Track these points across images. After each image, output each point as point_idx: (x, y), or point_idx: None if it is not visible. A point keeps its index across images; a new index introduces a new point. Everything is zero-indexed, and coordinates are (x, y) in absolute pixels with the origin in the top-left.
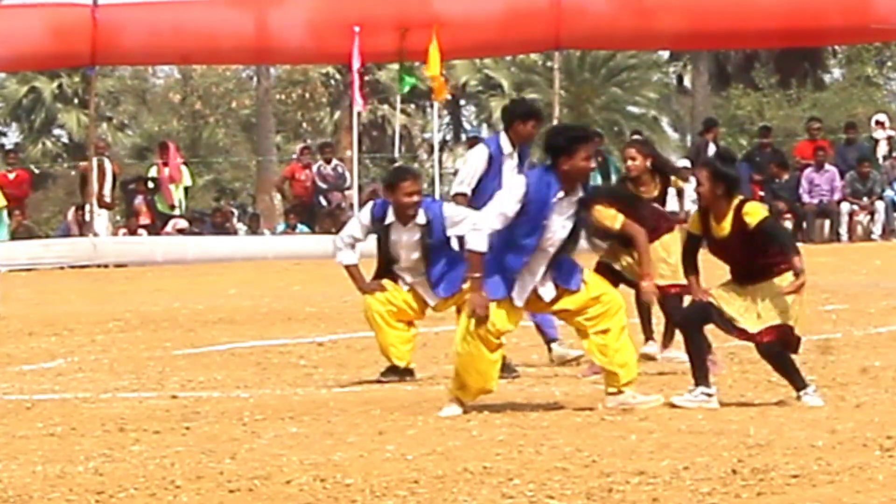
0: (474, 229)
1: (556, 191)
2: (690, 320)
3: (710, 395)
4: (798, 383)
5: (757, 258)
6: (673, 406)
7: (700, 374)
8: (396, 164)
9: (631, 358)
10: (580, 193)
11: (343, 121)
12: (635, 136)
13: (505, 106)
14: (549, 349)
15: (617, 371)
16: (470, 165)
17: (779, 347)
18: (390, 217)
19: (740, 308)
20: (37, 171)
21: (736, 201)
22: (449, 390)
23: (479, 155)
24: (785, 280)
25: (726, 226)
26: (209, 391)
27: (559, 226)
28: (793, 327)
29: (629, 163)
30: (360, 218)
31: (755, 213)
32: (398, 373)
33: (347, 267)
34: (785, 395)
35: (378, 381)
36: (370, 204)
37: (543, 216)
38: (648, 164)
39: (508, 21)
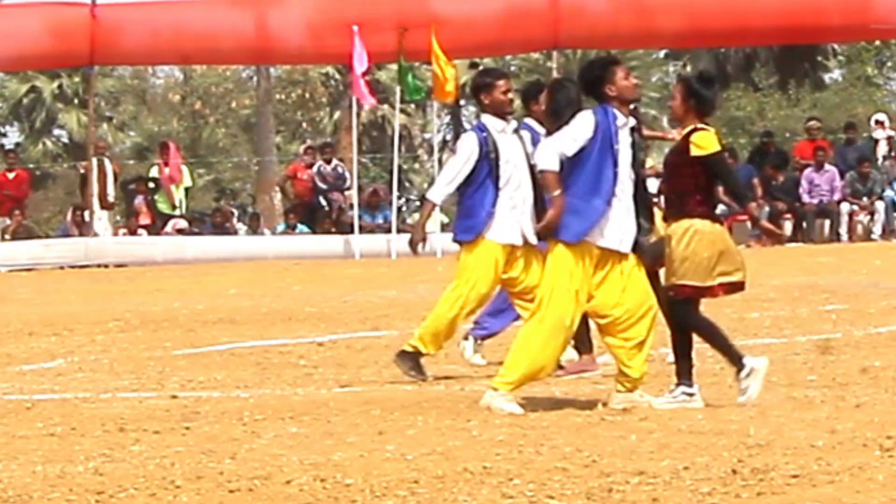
0: (544, 150)
1: (616, 117)
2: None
3: (691, 395)
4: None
5: (678, 188)
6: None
7: (683, 371)
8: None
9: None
10: (632, 121)
11: (343, 121)
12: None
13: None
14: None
15: (628, 370)
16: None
17: (689, 304)
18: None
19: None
20: (37, 172)
21: (696, 124)
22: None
23: (471, 144)
24: (701, 224)
25: (677, 142)
26: (209, 391)
27: (626, 155)
28: (698, 285)
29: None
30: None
31: (705, 143)
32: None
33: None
34: (785, 395)
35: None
36: None
37: (613, 142)
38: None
39: (507, 21)
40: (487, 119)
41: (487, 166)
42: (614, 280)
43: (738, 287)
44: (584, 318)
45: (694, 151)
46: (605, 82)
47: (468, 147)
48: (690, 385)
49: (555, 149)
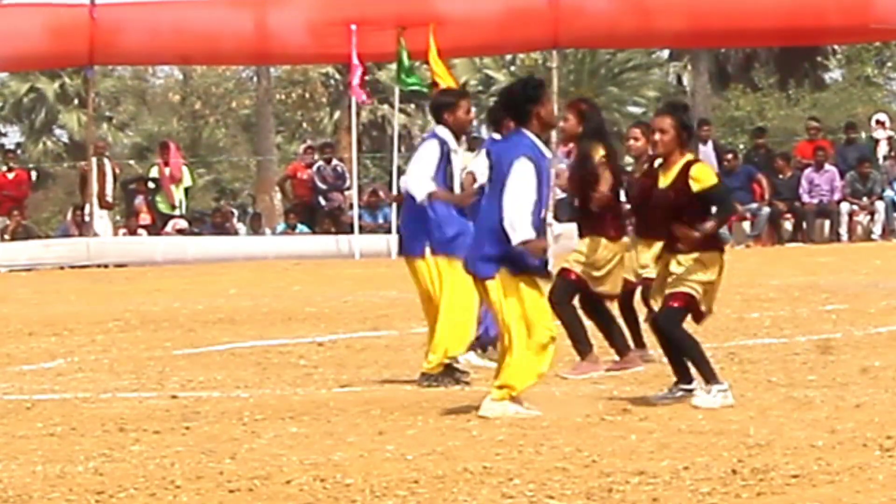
0: (513, 229)
1: (540, 148)
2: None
3: (725, 391)
4: (687, 377)
5: (678, 221)
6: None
7: (681, 371)
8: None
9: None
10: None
11: (343, 121)
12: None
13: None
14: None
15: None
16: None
17: (682, 315)
18: None
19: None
20: (36, 172)
21: (686, 158)
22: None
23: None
24: (706, 256)
25: (669, 177)
26: (209, 391)
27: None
28: (697, 299)
29: (631, 142)
30: None
31: (704, 177)
32: None
33: None
34: (785, 395)
35: None
36: None
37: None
38: (650, 149)
39: (507, 20)
40: (444, 132)
41: (442, 177)
42: None
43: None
44: (581, 322)
45: (695, 187)
46: (536, 104)
47: (433, 149)
48: (719, 382)
49: (526, 214)
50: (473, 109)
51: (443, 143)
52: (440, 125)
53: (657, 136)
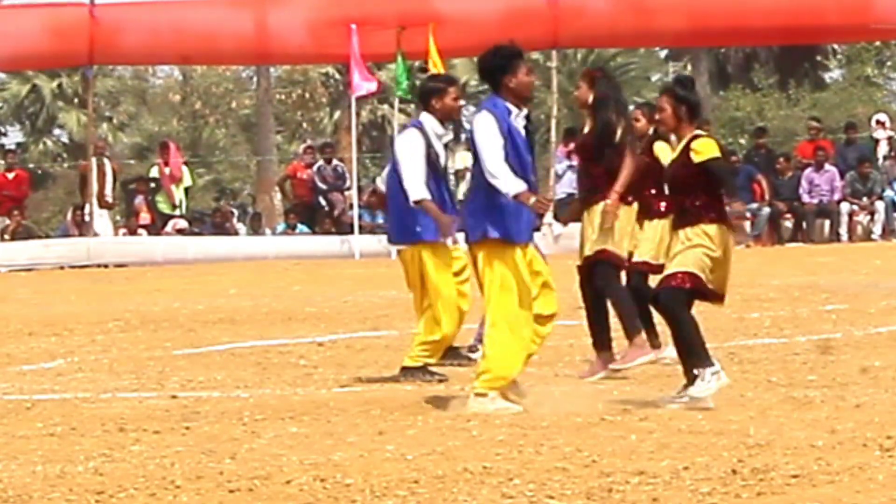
0: (496, 178)
1: (509, 111)
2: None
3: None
4: (694, 364)
5: (687, 198)
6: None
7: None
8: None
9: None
10: (524, 112)
11: (343, 121)
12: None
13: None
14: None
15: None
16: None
17: (685, 295)
18: None
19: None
20: (38, 172)
21: (692, 132)
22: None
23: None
24: (710, 229)
25: (676, 153)
26: (209, 391)
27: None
28: (702, 278)
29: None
30: None
31: (704, 149)
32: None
33: None
34: (785, 395)
35: None
36: None
37: (514, 135)
38: (651, 130)
39: (507, 20)
40: (428, 119)
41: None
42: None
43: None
44: (602, 319)
45: (695, 158)
46: (506, 73)
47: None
48: (712, 364)
49: (504, 169)
50: (473, 109)
51: (424, 132)
52: (426, 111)
53: (657, 116)
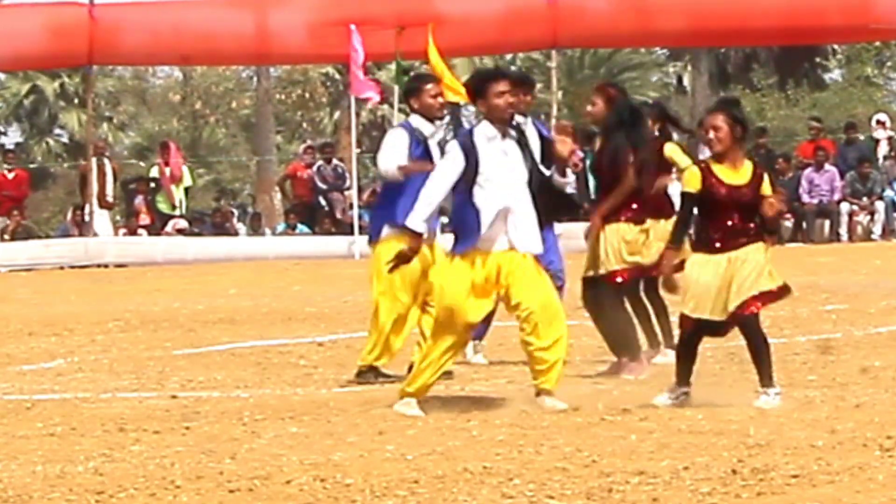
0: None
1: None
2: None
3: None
4: (766, 378)
5: (752, 218)
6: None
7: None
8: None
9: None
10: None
11: (343, 121)
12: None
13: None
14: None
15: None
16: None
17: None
18: None
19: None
20: (38, 172)
21: (750, 160)
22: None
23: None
24: (759, 250)
25: (745, 173)
26: (209, 391)
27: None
28: (785, 286)
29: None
30: None
31: (769, 182)
32: None
33: None
34: (785, 395)
35: None
36: None
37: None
38: (657, 129)
39: (507, 20)
40: (416, 120)
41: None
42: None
43: None
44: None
45: (766, 190)
46: (478, 98)
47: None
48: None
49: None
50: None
51: (411, 130)
52: (412, 112)
53: (711, 135)
